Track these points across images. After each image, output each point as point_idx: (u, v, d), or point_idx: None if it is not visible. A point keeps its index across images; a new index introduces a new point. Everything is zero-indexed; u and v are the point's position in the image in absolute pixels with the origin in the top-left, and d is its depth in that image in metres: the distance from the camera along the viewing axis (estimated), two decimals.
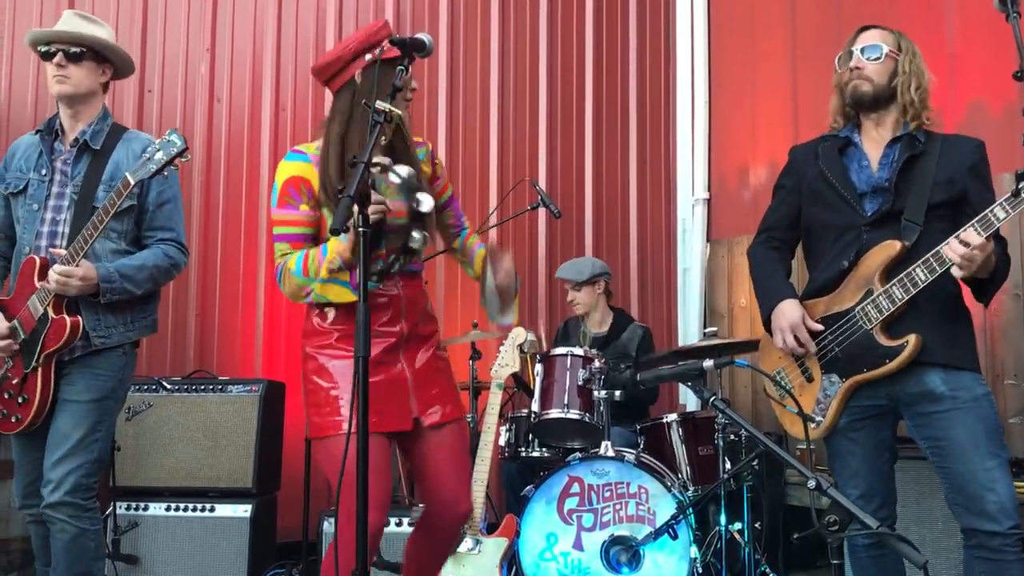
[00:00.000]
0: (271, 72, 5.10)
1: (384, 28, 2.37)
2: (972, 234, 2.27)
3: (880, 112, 2.59)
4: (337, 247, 2.24)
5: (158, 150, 2.66)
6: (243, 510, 3.88)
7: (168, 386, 4.08)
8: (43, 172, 2.90)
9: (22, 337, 2.80)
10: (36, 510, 2.82)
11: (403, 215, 2.33)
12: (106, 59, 2.98)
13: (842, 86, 2.62)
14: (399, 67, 2.19)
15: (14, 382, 2.81)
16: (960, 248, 2.27)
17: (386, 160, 2.30)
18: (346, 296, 2.32)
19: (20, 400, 2.80)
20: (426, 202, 2.28)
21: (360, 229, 2.02)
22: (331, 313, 2.39)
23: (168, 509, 3.89)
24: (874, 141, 2.61)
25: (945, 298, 2.49)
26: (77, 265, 2.71)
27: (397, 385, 2.39)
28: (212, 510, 3.88)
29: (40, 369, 2.77)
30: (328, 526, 3.84)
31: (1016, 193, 2.22)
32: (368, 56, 2.32)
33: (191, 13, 5.04)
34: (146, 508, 3.88)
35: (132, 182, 2.67)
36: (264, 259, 4.97)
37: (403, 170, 2.30)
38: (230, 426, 4.01)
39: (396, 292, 2.41)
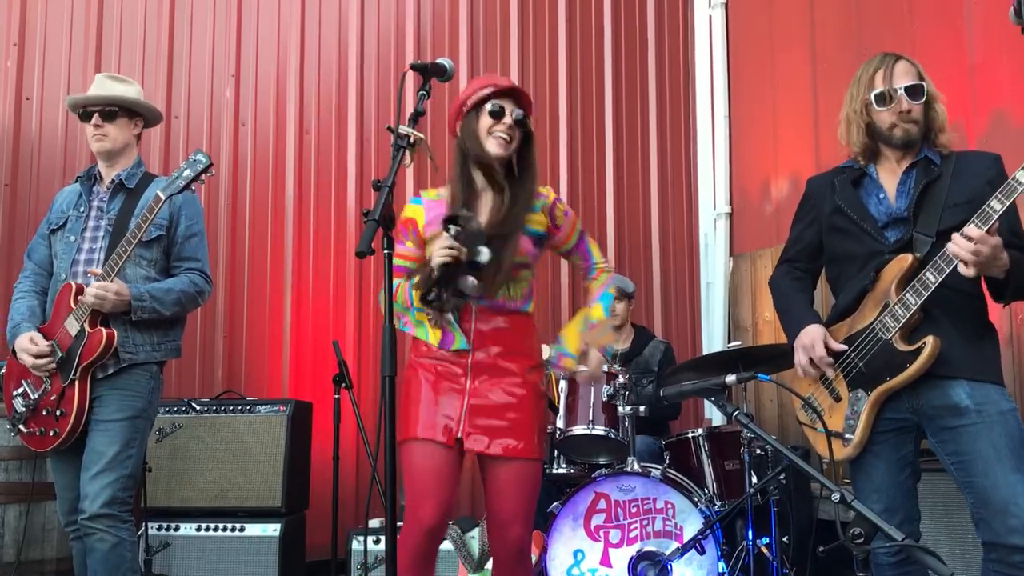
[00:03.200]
0: (295, 96, 5.18)
1: (485, 82, 2.61)
2: (972, 228, 2.27)
3: (912, 147, 2.58)
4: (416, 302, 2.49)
5: (186, 168, 2.95)
6: (272, 529, 3.92)
7: (197, 407, 4.13)
8: (81, 209, 3.16)
9: (59, 356, 2.98)
10: (78, 527, 2.96)
11: (457, 260, 2.42)
12: (138, 113, 3.26)
13: (883, 127, 2.55)
14: (420, 92, 2.24)
15: (52, 398, 2.99)
16: (963, 242, 2.27)
17: (464, 212, 2.45)
18: (428, 338, 2.59)
19: (58, 414, 2.96)
20: (484, 255, 2.37)
21: (385, 252, 2.05)
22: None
23: (199, 529, 3.94)
24: (890, 171, 2.60)
25: (971, 312, 2.49)
26: (112, 282, 2.92)
27: (450, 402, 2.55)
28: (242, 529, 3.92)
29: (77, 382, 2.95)
30: (357, 545, 3.87)
31: (1007, 184, 2.24)
32: (464, 109, 2.58)
33: (216, 39, 5.13)
34: (177, 528, 3.92)
35: (163, 197, 2.93)
36: (290, 281, 5.03)
37: (470, 223, 2.42)
38: (259, 446, 4.05)
39: (468, 324, 2.56)
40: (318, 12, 5.29)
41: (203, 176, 2.97)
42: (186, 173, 2.94)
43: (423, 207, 2.65)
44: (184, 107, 5.04)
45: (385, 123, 5.15)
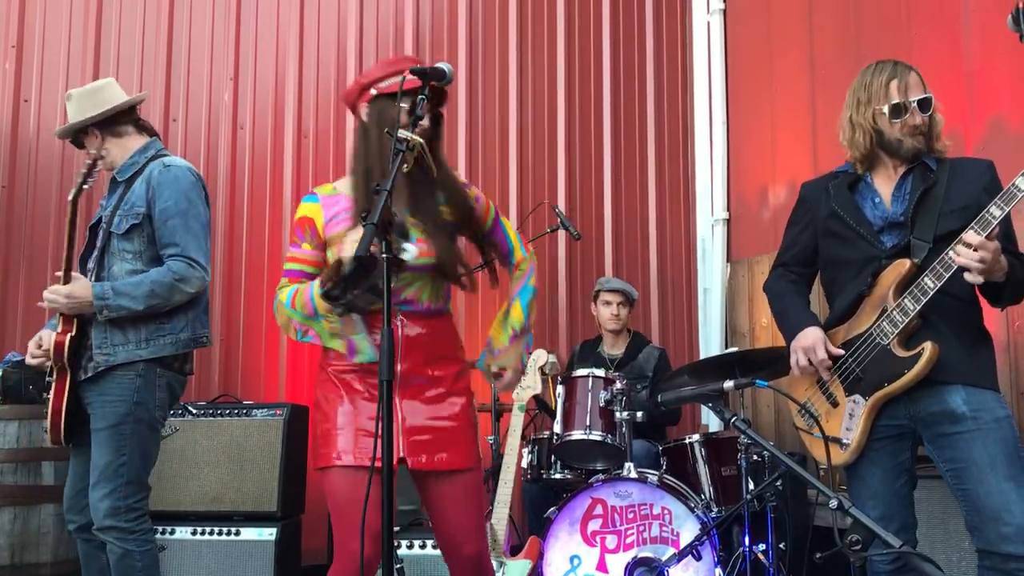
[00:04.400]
0: (293, 99, 5.18)
1: (397, 63, 2.42)
2: (972, 234, 2.28)
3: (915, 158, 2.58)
4: (319, 304, 2.27)
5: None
6: (268, 533, 3.91)
7: (193, 411, 4.12)
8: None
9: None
10: (76, 524, 3.03)
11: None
12: (95, 124, 3.10)
13: (892, 139, 2.54)
14: (419, 96, 2.23)
15: (45, 396, 2.99)
16: (968, 251, 2.28)
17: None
18: (339, 348, 2.36)
19: (51, 410, 2.96)
20: (409, 252, 2.23)
21: (383, 256, 2.04)
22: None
23: (194, 533, 3.93)
24: (886, 176, 2.61)
25: (967, 318, 2.50)
26: (67, 283, 2.87)
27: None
28: (237, 534, 3.92)
29: (54, 384, 2.94)
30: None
31: (1007, 190, 2.25)
32: (373, 91, 2.39)
33: (214, 42, 5.13)
34: (172, 532, 3.91)
35: (69, 199, 2.91)
36: None
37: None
38: (255, 450, 4.05)
39: (395, 331, 2.33)
40: (317, 15, 5.29)
41: (93, 171, 2.97)
42: (81, 171, 2.96)
43: (320, 204, 2.42)
44: (182, 110, 5.04)
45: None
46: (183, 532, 3.93)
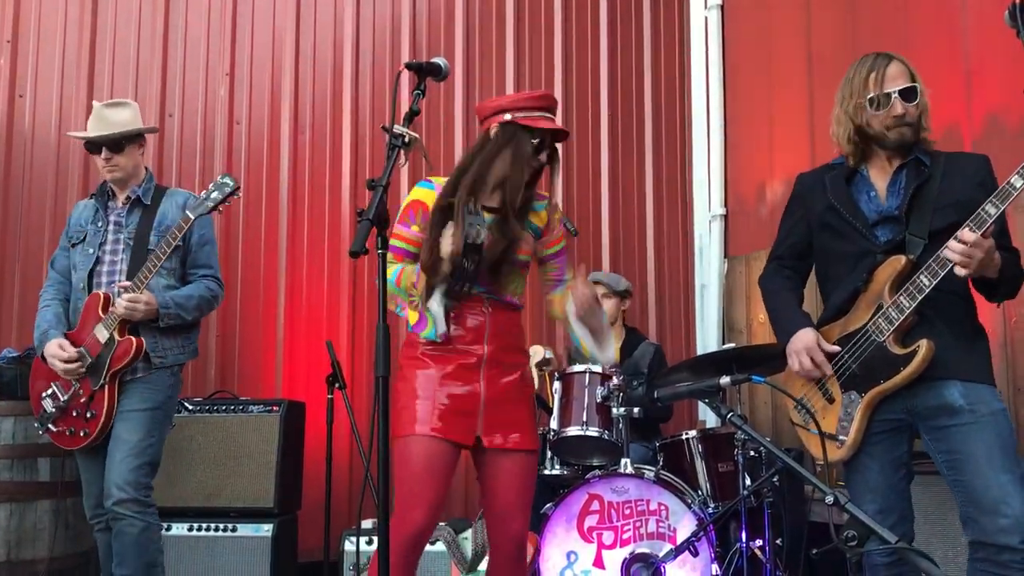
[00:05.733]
0: (289, 95, 5.17)
1: (543, 98, 2.63)
2: (967, 232, 2.29)
3: (905, 148, 2.59)
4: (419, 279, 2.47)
5: (214, 191, 3.20)
6: (265, 530, 3.91)
7: (190, 407, 4.12)
8: (99, 224, 3.36)
9: (89, 361, 3.19)
10: (103, 519, 3.20)
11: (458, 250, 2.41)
12: (141, 135, 3.45)
13: (877, 131, 2.55)
14: (415, 92, 2.23)
15: (82, 400, 3.20)
16: (957, 246, 2.29)
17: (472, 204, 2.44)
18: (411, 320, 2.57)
19: (88, 415, 3.18)
20: (481, 235, 2.37)
21: (379, 252, 2.04)
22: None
23: (191, 529, 3.93)
24: (880, 169, 2.62)
25: (962, 314, 2.50)
26: (141, 293, 3.13)
27: (468, 401, 2.53)
28: (234, 530, 3.92)
29: (107, 386, 3.17)
30: (349, 545, 3.85)
31: (1003, 188, 2.26)
32: (508, 116, 2.56)
33: (210, 37, 5.11)
34: (169, 528, 3.90)
35: (192, 218, 3.18)
36: (284, 280, 5.02)
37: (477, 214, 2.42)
38: (251, 446, 4.04)
39: (482, 317, 2.55)
40: (313, 11, 5.27)
41: (230, 199, 3.20)
42: (214, 195, 3.19)
43: (434, 191, 2.60)
44: (178, 105, 5.02)
45: (380, 123, 5.13)
46: (180, 528, 3.93)
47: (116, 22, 4.99)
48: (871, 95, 2.53)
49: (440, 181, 2.62)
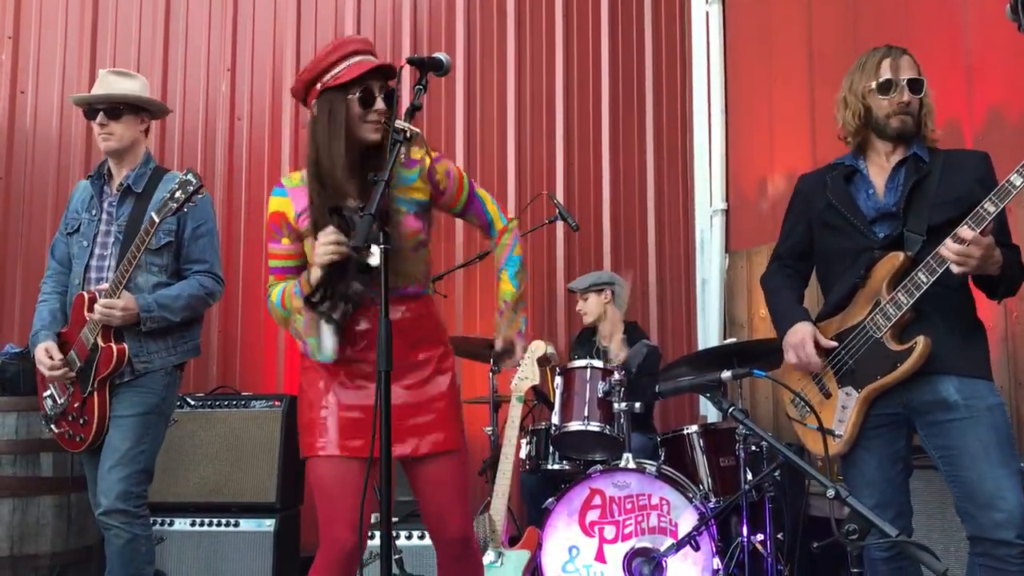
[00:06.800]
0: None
1: (341, 47, 2.34)
2: (966, 230, 2.29)
3: (904, 139, 2.60)
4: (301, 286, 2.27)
5: (177, 190, 2.92)
6: (267, 525, 3.91)
7: (192, 402, 4.13)
8: (93, 213, 3.21)
9: (79, 366, 3.07)
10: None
11: (344, 258, 2.22)
12: (143, 109, 3.26)
13: (881, 116, 2.56)
14: (416, 87, 2.22)
15: (75, 406, 3.10)
16: (953, 246, 2.30)
17: (348, 203, 2.24)
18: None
19: (82, 421, 3.09)
20: (375, 257, 2.08)
21: (382, 246, 2.04)
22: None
23: (193, 524, 3.94)
24: (879, 166, 2.63)
25: (960, 309, 2.51)
26: (118, 297, 2.98)
27: (362, 408, 2.35)
28: (236, 525, 3.92)
29: (95, 393, 3.05)
30: None
31: (1002, 186, 2.26)
32: (318, 85, 2.31)
33: (211, 33, 5.12)
34: (171, 523, 3.92)
35: (157, 220, 2.94)
36: None
37: (355, 214, 2.20)
38: (253, 441, 4.05)
39: (370, 324, 2.33)
40: (314, 6, 5.27)
41: (195, 197, 2.92)
42: (177, 195, 2.90)
43: (288, 198, 2.38)
44: (180, 101, 5.02)
45: None
46: (182, 523, 3.93)
47: (117, 18, 5.00)
48: (883, 79, 2.56)
49: (293, 182, 2.40)
